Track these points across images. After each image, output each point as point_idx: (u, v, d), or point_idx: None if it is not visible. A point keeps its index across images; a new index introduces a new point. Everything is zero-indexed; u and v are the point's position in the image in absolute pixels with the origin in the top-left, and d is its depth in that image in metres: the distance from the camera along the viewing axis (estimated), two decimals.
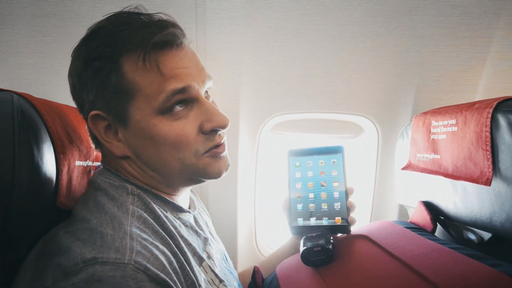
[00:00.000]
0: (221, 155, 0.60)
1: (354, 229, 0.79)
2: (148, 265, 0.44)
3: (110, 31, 0.53)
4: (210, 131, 0.56)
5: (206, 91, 0.60)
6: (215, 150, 0.58)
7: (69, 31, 0.96)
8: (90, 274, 0.40)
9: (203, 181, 0.61)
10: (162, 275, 0.44)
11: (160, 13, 0.56)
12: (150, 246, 0.47)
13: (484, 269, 0.50)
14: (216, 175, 0.60)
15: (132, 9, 0.56)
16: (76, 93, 0.57)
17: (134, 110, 0.53)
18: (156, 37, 0.51)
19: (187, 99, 0.55)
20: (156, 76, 0.52)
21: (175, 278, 0.47)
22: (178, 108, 0.54)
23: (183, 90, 0.53)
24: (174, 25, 0.55)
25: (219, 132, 0.58)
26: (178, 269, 0.50)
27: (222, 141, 0.60)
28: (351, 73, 1.01)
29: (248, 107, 1.05)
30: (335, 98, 1.04)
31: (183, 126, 0.54)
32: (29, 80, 0.99)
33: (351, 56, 0.99)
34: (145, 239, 0.48)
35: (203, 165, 0.57)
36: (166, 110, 0.53)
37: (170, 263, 0.49)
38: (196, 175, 0.58)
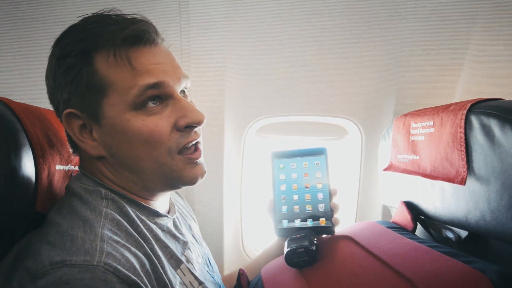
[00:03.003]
0: (197, 161, 0.59)
1: (338, 230, 0.80)
2: (119, 267, 0.43)
3: (82, 28, 0.54)
4: (185, 127, 0.56)
5: (184, 91, 0.60)
6: (191, 155, 0.58)
7: (53, 35, 0.95)
8: (57, 277, 0.40)
9: (179, 187, 0.61)
10: (133, 277, 0.44)
11: (134, 14, 0.57)
12: (122, 249, 0.47)
13: (458, 266, 0.52)
14: (190, 181, 0.59)
15: (107, 12, 0.57)
16: (52, 94, 0.57)
17: (107, 106, 0.53)
18: (126, 31, 0.51)
19: (161, 95, 0.55)
20: (128, 71, 0.52)
21: (146, 281, 0.47)
22: (151, 104, 0.54)
23: (156, 85, 0.53)
24: (146, 22, 0.55)
25: (194, 130, 0.58)
26: (150, 271, 0.50)
27: (198, 139, 0.59)
28: (334, 76, 1.03)
29: (232, 110, 1.06)
30: (319, 101, 1.06)
31: (157, 122, 0.54)
32: (12, 85, 0.98)
33: (334, 60, 1.01)
34: (117, 242, 0.48)
35: (177, 167, 0.56)
36: (139, 106, 0.53)
37: (142, 265, 0.49)
38: (170, 177, 0.57)
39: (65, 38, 0.55)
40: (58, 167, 0.61)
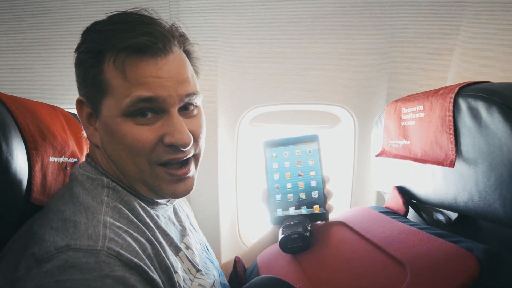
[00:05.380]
0: (182, 178, 0.59)
1: (333, 216, 0.81)
2: (121, 251, 0.45)
3: (100, 28, 0.55)
4: (169, 145, 0.55)
5: (193, 105, 0.59)
6: (174, 171, 0.57)
7: (42, 27, 0.95)
8: (63, 260, 0.41)
9: (163, 197, 0.61)
10: (135, 260, 0.46)
11: (160, 19, 0.56)
12: (124, 234, 0.48)
13: (446, 245, 0.53)
14: (170, 195, 0.59)
15: (137, 10, 0.57)
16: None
17: (104, 106, 0.55)
18: (131, 41, 0.51)
19: (155, 108, 0.54)
20: (123, 80, 0.53)
21: (149, 264, 0.48)
22: (143, 114, 0.54)
23: (149, 99, 0.53)
24: (161, 32, 0.54)
25: (183, 149, 0.56)
26: (152, 255, 0.51)
27: (189, 156, 0.58)
28: (326, 64, 1.03)
29: (225, 101, 1.06)
30: (312, 89, 1.06)
31: (143, 133, 0.54)
32: (1, 78, 0.97)
33: (326, 48, 1.01)
34: (119, 227, 0.49)
35: (157, 177, 0.57)
36: (130, 114, 0.54)
37: (144, 249, 0.50)
38: (151, 185, 0.58)
39: (85, 33, 0.56)
40: (52, 159, 0.61)
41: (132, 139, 0.54)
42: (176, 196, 0.59)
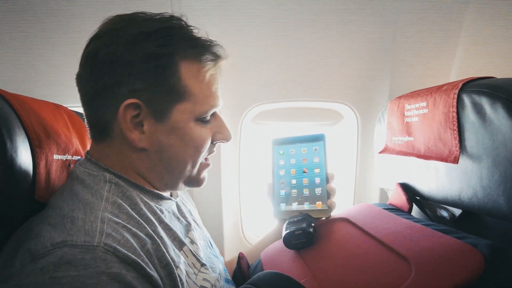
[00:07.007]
0: (207, 168, 0.68)
1: (336, 213, 0.82)
2: (118, 247, 0.44)
3: (168, 31, 0.55)
4: (215, 142, 0.64)
5: None
6: (208, 164, 0.67)
7: (45, 26, 0.95)
8: (58, 256, 0.41)
9: (189, 187, 0.67)
10: (133, 256, 0.45)
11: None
12: (122, 229, 0.48)
13: (451, 241, 0.53)
14: (199, 184, 0.67)
15: (180, 17, 0.60)
16: (107, 75, 0.54)
17: (177, 110, 0.57)
18: (210, 52, 0.58)
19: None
20: (207, 89, 0.58)
21: (147, 260, 0.48)
22: (206, 119, 0.61)
23: (218, 107, 0.62)
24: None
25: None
26: (152, 251, 0.50)
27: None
28: (328, 61, 1.03)
29: (228, 99, 1.06)
30: (314, 86, 1.06)
31: (205, 133, 0.61)
32: (4, 78, 0.97)
33: (327, 44, 1.01)
34: (117, 223, 0.49)
35: (199, 170, 0.65)
36: (201, 119, 0.60)
37: (143, 245, 0.50)
38: (191, 178, 0.64)
39: (151, 35, 0.54)
40: (56, 156, 0.61)
41: (201, 141, 0.60)
42: (202, 183, 0.67)
